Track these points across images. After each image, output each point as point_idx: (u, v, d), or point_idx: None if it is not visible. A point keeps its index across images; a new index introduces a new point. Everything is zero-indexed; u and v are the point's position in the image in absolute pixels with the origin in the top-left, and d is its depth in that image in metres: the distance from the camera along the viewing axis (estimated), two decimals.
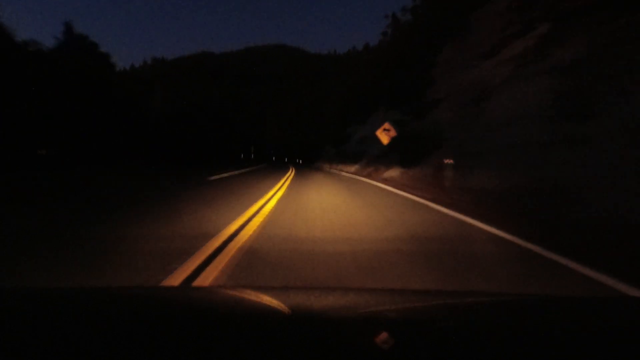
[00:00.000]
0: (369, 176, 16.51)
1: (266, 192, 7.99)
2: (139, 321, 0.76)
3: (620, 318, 0.84)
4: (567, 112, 7.58)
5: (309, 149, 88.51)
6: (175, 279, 2.34)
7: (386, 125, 15.38)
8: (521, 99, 9.73)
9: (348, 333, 0.71)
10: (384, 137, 15.34)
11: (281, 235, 3.80)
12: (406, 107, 19.02)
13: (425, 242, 3.70)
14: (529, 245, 3.41)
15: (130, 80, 38.18)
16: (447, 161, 9.31)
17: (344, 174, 20.25)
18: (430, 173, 11.02)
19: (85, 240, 3.48)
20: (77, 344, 0.61)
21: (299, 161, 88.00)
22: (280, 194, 7.87)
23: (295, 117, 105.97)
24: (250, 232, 3.82)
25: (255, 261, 2.87)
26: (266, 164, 44.75)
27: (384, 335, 0.70)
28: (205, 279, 2.41)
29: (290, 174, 17.45)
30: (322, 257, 2.99)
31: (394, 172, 14.21)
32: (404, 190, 9.05)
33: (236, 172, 18.04)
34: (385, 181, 12.73)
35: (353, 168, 23.28)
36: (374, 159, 20.38)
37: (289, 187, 9.71)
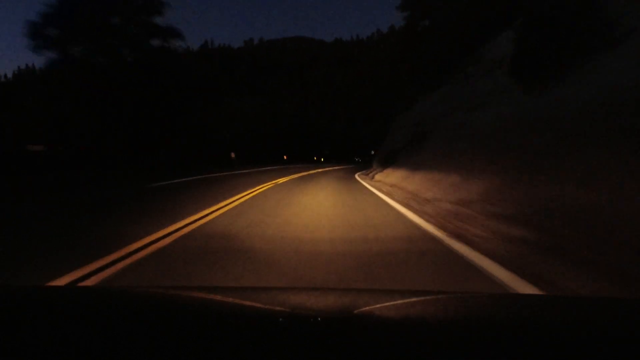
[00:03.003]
0: None
1: None
2: (138, 321, 0.76)
3: (622, 318, 0.82)
4: None
5: (350, 143, 65.61)
6: None
7: None
8: None
9: (348, 333, 0.70)
10: None
11: None
12: None
13: None
14: None
15: None
16: None
17: None
18: None
19: None
20: (77, 344, 0.61)
21: (320, 159, 59.61)
22: None
23: (319, 104, 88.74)
24: None
25: None
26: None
27: (384, 336, 0.69)
28: None
29: None
30: None
31: None
32: None
33: None
34: None
35: None
36: None
37: None
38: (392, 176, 11.60)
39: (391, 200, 6.32)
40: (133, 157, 21.69)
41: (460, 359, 0.58)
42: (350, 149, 66.21)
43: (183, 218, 4.36)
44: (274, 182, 11.06)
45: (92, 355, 0.57)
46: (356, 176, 14.91)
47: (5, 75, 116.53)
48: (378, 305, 0.95)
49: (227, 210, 5.22)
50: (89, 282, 2.26)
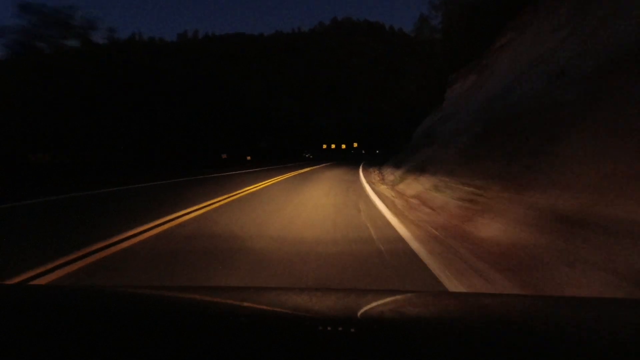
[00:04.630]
0: None
1: None
2: (138, 321, 0.76)
3: (622, 319, 0.81)
4: None
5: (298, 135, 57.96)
6: None
7: None
8: None
9: (351, 334, 0.69)
10: None
11: None
12: None
13: None
14: None
15: None
16: None
17: None
18: None
19: None
20: (81, 343, 0.61)
21: (245, 158, 30.22)
22: None
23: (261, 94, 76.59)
24: None
25: None
26: None
27: (387, 337, 0.68)
28: None
29: None
30: None
31: None
32: None
33: None
34: None
35: None
36: None
37: None
38: None
39: None
40: None
41: (462, 358, 0.57)
42: (299, 143, 56.01)
43: None
44: None
45: (97, 355, 0.56)
46: None
47: None
48: (379, 305, 0.93)
49: None
50: None
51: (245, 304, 0.94)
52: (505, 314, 0.86)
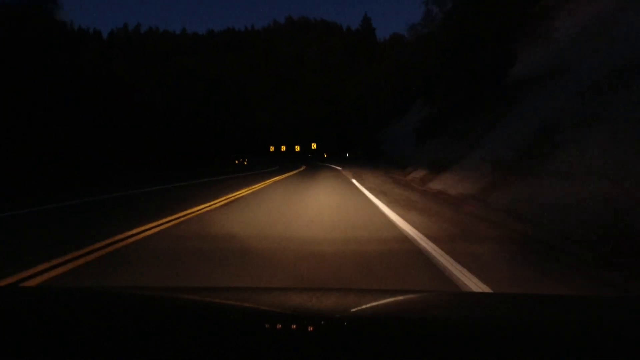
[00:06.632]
0: None
1: None
2: (140, 322, 0.74)
3: (622, 318, 0.80)
4: None
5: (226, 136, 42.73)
6: None
7: None
8: None
9: (350, 335, 0.69)
10: None
11: None
12: None
13: None
14: None
15: None
16: None
17: None
18: None
19: None
20: (83, 343, 0.60)
21: None
22: None
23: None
24: None
25: None
26: None
27: (385, 336, 0.67)
28: None
29: None
30: None
31: None
32: None
33: None
34: None
35: None
36: None
37: None
38: None
39: None
40: None
41: (461, 357, 0.57)
42: (232, 144, 42.63)
43: None
44: None
45: (95, 356, 0.55)
46: None
47: None
48: (379, 305, 0.92)
49: None
50: None
51: (245, 304, 0.94)
52: (505, 313, 0.86)
